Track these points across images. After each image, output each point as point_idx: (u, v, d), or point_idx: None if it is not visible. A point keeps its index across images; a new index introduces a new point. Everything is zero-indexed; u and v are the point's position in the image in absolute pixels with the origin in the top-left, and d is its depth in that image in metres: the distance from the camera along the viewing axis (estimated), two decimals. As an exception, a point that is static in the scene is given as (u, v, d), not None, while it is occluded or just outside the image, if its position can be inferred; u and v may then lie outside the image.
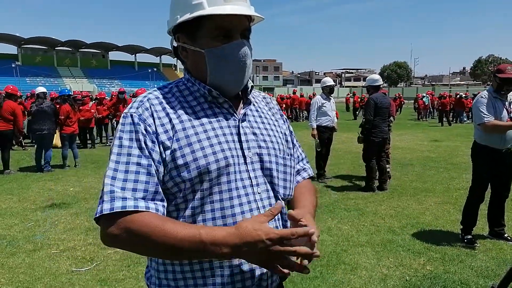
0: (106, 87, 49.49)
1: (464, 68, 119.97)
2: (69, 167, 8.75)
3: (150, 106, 1.09)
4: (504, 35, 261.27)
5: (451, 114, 21.56)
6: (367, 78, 6.90)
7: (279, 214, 1.12)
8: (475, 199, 4.16)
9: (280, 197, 1.18)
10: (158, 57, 67.26)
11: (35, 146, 8.94)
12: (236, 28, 1.09)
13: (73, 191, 6.61)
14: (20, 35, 51.38)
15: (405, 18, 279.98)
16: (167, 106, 1.11)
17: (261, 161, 1.15)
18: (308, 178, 1.38)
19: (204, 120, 1.11)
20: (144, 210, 0.99)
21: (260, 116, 1.24)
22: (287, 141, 1.30)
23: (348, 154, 10.19)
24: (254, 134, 1.17)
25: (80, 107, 10.76)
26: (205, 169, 1.05)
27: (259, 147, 1.16)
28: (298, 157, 1.39)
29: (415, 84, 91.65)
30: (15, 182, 7.38)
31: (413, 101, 30.81)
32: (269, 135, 1.20)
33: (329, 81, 7.43)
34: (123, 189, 1.00)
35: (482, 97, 4.04)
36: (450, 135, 15.07)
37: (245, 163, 1.12)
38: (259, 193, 1.12)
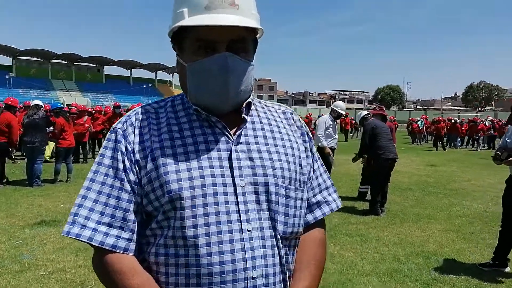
0: (100, 101, 49.17)
1: (455, 94, 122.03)
2: (61, 182, 8.50)
3: (135, 121, 1.02)
4: (494, 62, 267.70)
5: (445, 139, 21.68)
6: (356, 116, 7.41)
7: (275, 248, 0.98)
8: (504, 230, 4.10)
9: (279, 235, 0.99)
10: (154, 73, 67.44)
11: (26, 159, 8.68)
12: (220, 40, 0.95)
13: (64, 208, 6.35)
14: (16, 47, 51.24)
15: (399, 42, 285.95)
16: (153, 122, 1.03)
17: (256, 192, 0.98)
18: (332, 211, 1.18)
19: (189, 140, 0.99)
20: (109, 248, 0.94)
21: (265, 137, 1.06)
22: (300, 165, 1.08)
23: (345, 176, 10.07)
24: (250, 159, 1.00)
25: (75, 121, 10.56)
26: (176, 194, 0.92)
27: (254, 175, 0.98)
28: (319, 185, 1.16)
29: (408, 108, 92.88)
30: (3, 196, 7.10)
31: (406, 124, 31.02)
32: (271, 159, 1.02)
33: (343, 108, 7.66)
34: (91, 210, 0.96)
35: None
36: (445, 160, 15.07)
37: (235, 193, 0.95)
38: (249, 230, 0.94)
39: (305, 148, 1.14)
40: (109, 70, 64.98)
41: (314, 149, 1.19)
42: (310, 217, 1.13)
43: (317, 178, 1.16)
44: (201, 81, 0.97)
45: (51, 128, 8.74)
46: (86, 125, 11.16)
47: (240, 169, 0.97)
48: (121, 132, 1.00)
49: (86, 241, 0.94)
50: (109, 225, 0.95)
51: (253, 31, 1.01)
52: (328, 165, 7.17)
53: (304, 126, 1.18)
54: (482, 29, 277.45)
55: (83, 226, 0.94)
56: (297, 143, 1.11)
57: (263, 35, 1.06)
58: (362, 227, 5.64)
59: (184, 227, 0.92)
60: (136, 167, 0.97)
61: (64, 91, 56.17)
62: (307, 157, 1.13)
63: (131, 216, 0.96)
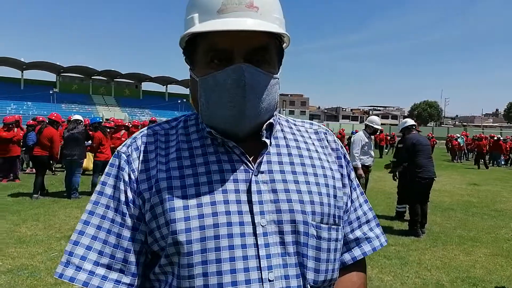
0: (137, 116, 50.77)
1: (497, 110, 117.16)
2: (97, 194, 8.69)
3: (141, 145, 0.89)
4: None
5: (487, 156, 20.69)
6: (399, 124, 7.05)
7: None
8: None
9: (309, 285, 0.83)
10: (188, 88, 69.00)
11: (65, 171, 8.97)
12: (236, 49, 0.80)
13: (99, 220, 6.46)
14: (60, 64, 53.99)
15: (436, 58, 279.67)
16: (161, 146, 0.89)
17: (281, 232, 0.82)
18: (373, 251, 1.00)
19: (201, 169, 0.84)
20: None
21: (292, 163, 0.90)
22: (335, 197, 0.91)
23: (381, 194, 9.71)
24: (274, 191, 0.84)
25: (112, 135, 10.86)
26: (182, 236, 0.78)
27: (278, 211, 0.82)
28: (358, 218, 0.99)
29: (446, 124, 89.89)
30: (42, 207, 7.32)
31: (444, 141, 29.93)
32: (299, 192, 0.85)
33: (378, 123, 7.35)
34: (88, 248, 0.83)
35: None
36: (488, 178, 14.30)
37: (254, 234, 0.80)
38: (270, 280, 0.78)
39: (342, 175, 0.96)
40: (146, 86, 67.01)
41: (353, 175, 1.01)
42: (347, 257, 0.97)
43: (355, 210, 0.99)
44: (213, 98, 0.83)
45: (89, 141, 9.01)
46: (122, 139, 11.42)
47: (261, 205, 0.82)
48: (125, 157, 0.88)
49: (81, 286, 0.81)
50: (108, 267, 0.83)
51: (277, 38, 0.87)
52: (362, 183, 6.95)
53: (341, 148, 1.01)
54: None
55: (78, 268, 0.82)
56: (331, 169, 0.94)
57: (289, 44, 0.91)
58: (402, 249, 5.35)
59: (192, 276, 0.78)
60: (140, 200, 0.84)
61: (104, 106, 58.40)
62: (343, 185, 0.96)
63: (133, 258, 0.84)
